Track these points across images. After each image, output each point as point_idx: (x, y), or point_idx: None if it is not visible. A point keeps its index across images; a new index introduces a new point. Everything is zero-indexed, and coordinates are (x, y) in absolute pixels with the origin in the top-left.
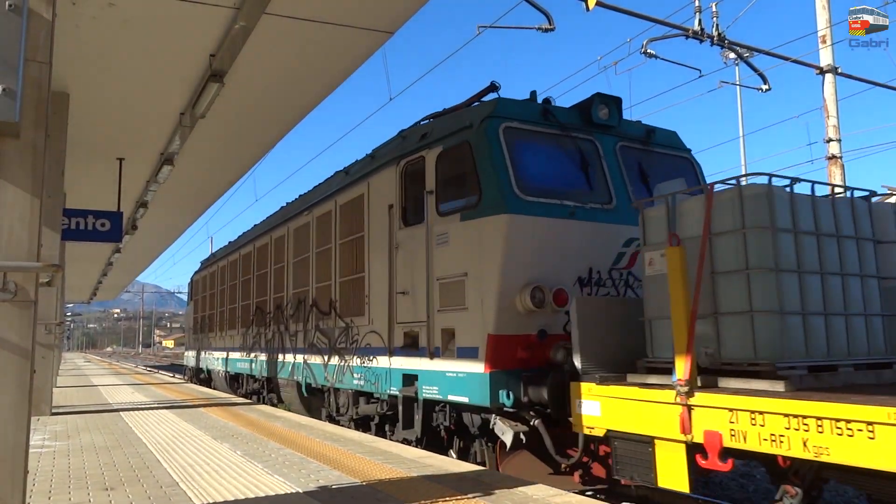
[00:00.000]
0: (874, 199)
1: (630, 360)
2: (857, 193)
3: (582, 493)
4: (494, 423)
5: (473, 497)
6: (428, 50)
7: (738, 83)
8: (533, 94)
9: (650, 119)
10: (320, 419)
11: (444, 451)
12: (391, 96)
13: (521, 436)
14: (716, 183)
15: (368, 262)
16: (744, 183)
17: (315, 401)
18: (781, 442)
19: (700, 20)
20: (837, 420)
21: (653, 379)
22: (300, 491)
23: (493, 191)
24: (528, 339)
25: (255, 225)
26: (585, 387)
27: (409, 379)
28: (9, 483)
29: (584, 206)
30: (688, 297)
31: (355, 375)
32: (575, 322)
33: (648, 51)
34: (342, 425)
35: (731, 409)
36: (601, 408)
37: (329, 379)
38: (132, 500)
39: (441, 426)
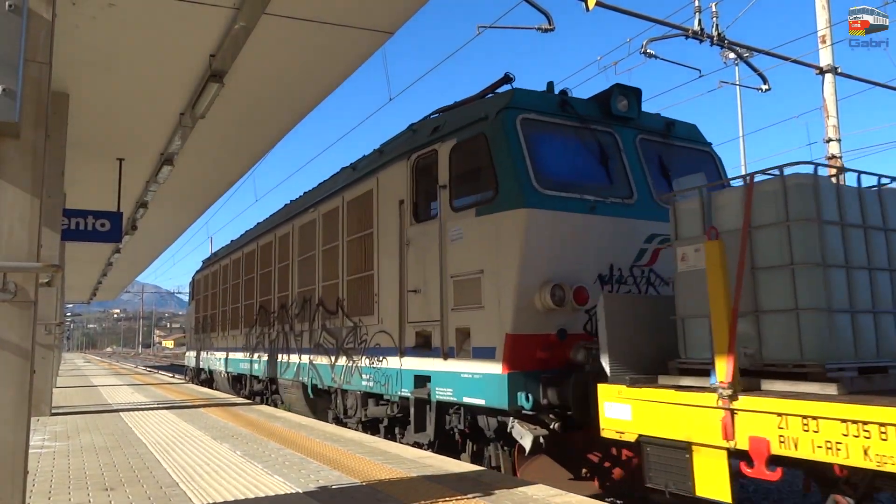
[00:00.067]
0: None
1: (659, 361)
2: None
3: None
4: (512, 427)
5: (473, 497)
6: (428, 50)
7: (737, 83)
8: (550, 84)
9: None
10: (327, 421)
11: (457, 455)
12: (391, 96)
13: (541, 440)
14: (756, 173)
15: (378, 259)
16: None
17: (321, 402)
18: (839, 450)
19: (700, 20)
20: None
21: (686, 381)
22: (300, 491)
23: (510, 184)
24: (548, 339)
25: (258, 223)
26: (614, 389)
27: (422, 380)
28: (9, 483)
29: (604, 201)
30: (728, 294)
31: (364, 376)
32: (602, 321)
33: (648, 51)
34: (350, 428)
35: (780, 414)
36: (632, 411)
37: (336, 380)
38: (132, 500)
39: (455, 429)
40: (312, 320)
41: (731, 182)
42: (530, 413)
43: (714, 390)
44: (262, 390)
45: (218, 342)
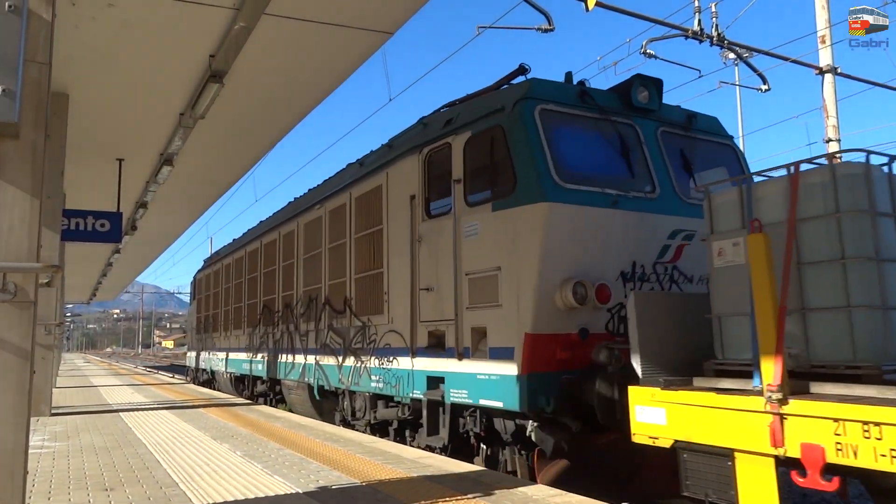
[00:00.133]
0: None
1: (691, 362)
2: None
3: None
4: (532, 430)
5: (473, 497)
6: (428, 50)
7: (737, 83)
8: (568, 75)
9: None
10: (334, 423)
11: (470, 459)
12: (391, 97)
13: (563, 443)
14: (801, 162)
15: (387, 256)
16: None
17: (328, 404)
18: None
19: (700, 20)
20: None
21: (725, 383)
22: (300, 491)
23: (529, 177)
24: (569, 339)
25: (261, 221)
26: (647, 391)
27: (434, 381)
28: (8, 484)
29: (626, 195)
30: (775, 291)
31: (373, 377)
32: (633, 320)
33: (648, 51)
34: (358, 430)
35: (836, 420)
36: (667, 415)
37: (344, 381)
38: (132, 500)
39: (470, 432)
40: (319, 320)
41: (765, 174)
42: (551, 416)
43: (759, 393)
44: (265, 391)
45: (220, 342)
